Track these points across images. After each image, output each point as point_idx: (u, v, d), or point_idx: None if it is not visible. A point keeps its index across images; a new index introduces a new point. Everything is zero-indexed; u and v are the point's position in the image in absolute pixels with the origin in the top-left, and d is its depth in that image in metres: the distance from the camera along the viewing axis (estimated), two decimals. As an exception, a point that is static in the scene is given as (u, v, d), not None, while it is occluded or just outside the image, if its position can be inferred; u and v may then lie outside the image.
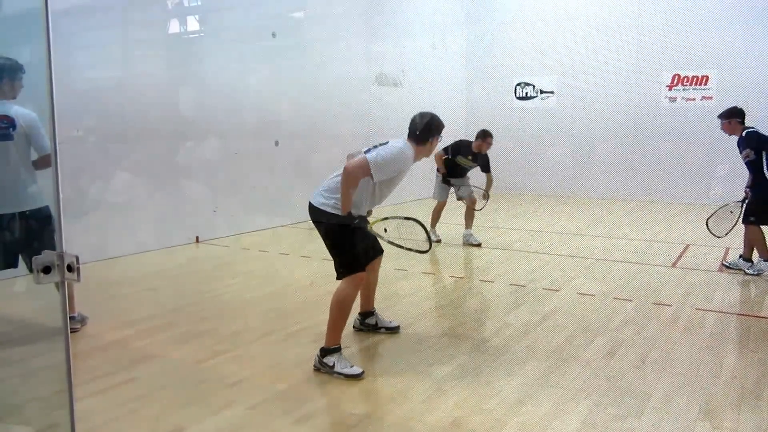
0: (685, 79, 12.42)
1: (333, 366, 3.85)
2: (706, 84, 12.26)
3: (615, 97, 12.98)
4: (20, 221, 4.06)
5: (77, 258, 2.03)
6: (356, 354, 4.24)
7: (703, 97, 12.26)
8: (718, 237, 6.51)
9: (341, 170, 3.96)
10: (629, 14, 12.76)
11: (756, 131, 6.37)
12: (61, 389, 3.48)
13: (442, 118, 4.18)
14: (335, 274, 4.06)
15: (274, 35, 9.22)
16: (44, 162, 4.11)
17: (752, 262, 6.48)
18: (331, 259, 4.12)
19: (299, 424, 3.23)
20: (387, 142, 4.07)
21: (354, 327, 4.66)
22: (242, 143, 8.81)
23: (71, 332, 4.36)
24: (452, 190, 8.22)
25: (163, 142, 7.78)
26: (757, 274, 6.35)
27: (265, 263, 7.26)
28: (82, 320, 4.70)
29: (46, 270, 2.01)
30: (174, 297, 5.74)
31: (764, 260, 6.34)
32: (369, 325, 4.66)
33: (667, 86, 12.59)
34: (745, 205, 6.40)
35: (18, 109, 4.10)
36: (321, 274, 6.61)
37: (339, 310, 3.96)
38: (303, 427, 3.19)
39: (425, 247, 4.03)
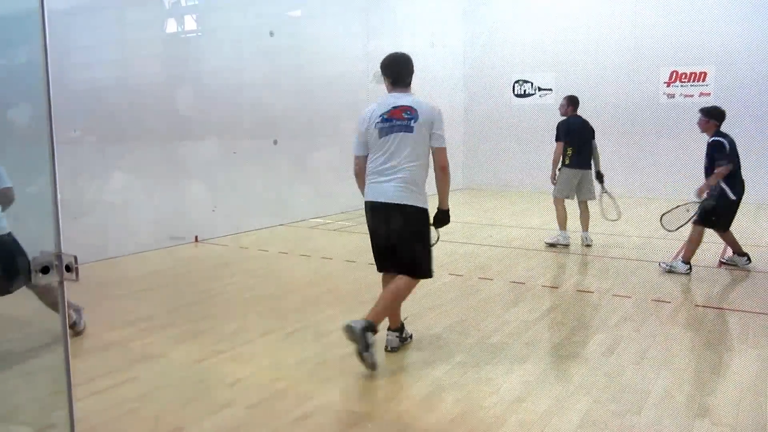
0: (684, 75, 12.43)
1: (411, 334, 4.33)
2: (704, 80, 12.28)
3: (613, 94, 12.98)
4: None
5: (75, 258, 2.03)
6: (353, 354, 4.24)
7: (702, 94, 12.27)
8: (670, 231, 6.53)
9: (408, 159, 3.89)
10: (627, 10, 12.77)
11: (720, 141, 6.27)
12: (60, 389, 3.48)
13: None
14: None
15: (271, 34, 9.22)
16: (5, 197, 4.08)
17: (746, 255, 6.50)
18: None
19: (299, 422, 3.23)
20: (410, 109, 3.93)
21: (392, 349, 4.25)
22: (241, 143, 8.81)
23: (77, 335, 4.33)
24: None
25: (162, 142, 7.77)
26: (669, 271, 6.34)
27: (264, 262, 7.26)
28: (74, 324, 4.51)
29: (45, 270, 2.01)
30: (173, 296, 5.74)
31: (683, 262, 6.33)
32: (406, 337, 4.40)
33: (665, 83, 12.61)
34: (700, 206, 6.36)
35: None
36: (321, 273, 6.62)
37: (396, 300, 4.09)
38: (303, 426, 3.19)
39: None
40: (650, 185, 12.73)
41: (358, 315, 4.94)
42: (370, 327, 3.86)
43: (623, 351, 4.21)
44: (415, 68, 4.10)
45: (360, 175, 4.13)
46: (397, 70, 4.06)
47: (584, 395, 3.52)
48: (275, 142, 9.39)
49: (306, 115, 9.85)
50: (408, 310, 5.08)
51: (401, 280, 4.03)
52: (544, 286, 5.94)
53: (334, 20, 10.73)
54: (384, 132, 3.94)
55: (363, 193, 4.12)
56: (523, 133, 13.97)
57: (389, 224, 3.98)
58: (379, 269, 4.21)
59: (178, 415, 3.32)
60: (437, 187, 4.05)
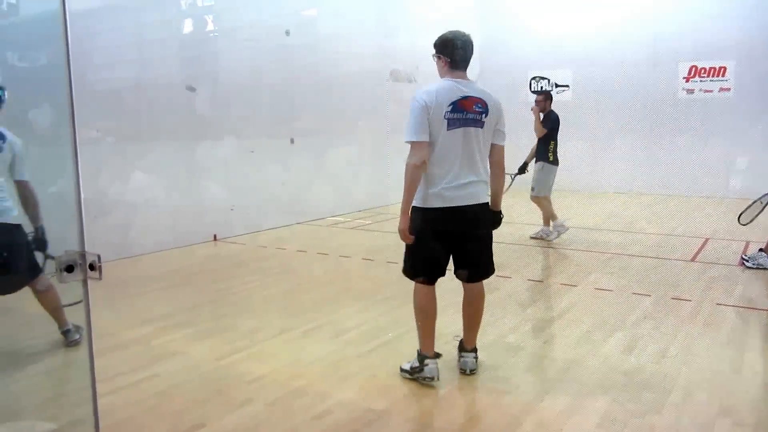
0: (703, 70, 12.28)
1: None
2: (724, 75, 12.11)
3: (631, 90, 12.84)
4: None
5: (99, 257, 2.06)
6: (375, 350, 4.25)
7: (722, 89, 12.12)
8: (743, 225, 6.44)
9: (478, 159, 3.60)
10: (645, 5, 12.61)
11: None
12: (83, 386, 3.54)
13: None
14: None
15: (287, 33, 9.25)
16: (23, 191, 4.11)
17: None
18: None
19: (318, 420, 3.25)
20: (480, 101, 3.57)
21: (470, 372, 3.95)
22: (258, 142, 8.86)
23: (72, 345, 4.33)
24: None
25: (180, 142, 7.84)
26: (757, 268, 6.27)
27: (282, 260, 7.30)
28: (79, 329, 4.39)
29: (69, 269, 2.04)
30: (193, 295, 5.80)
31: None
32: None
33: (684, 78, 12.46)
34: None
35: (9, 133, 4.12)
36: (338, 271, 6.64)
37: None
38: (322, 423, 3.21)
39: None
40: (669, 182, 12.58)
41: (376, 313, 4.99)
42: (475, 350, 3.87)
43: (643, 349, 4.19)
44: (429, 64, 3.78)
45: (422, 167, 3.48)
46: (461, 51, 3.58)
47: (603, 394, 3.50)
48: (292, 141, 9.43)
49: (323, 113, 9.88)
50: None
51: (479, 286, 3.86)
52: (562, 284, 5.91)
53: (350, 19, 10.74)
54: (454, 124, 3.49)
55: (414, 189, 3.53)
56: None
57: (474, 227, 3.69)
58: (433, 281, 3.75)
59: (199, 412, 3.36)
60: (493, 187, 3.76)
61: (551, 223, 7.97)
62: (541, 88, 7.60)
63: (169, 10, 8.25)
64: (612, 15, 12.93)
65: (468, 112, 3.52)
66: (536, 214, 8.10)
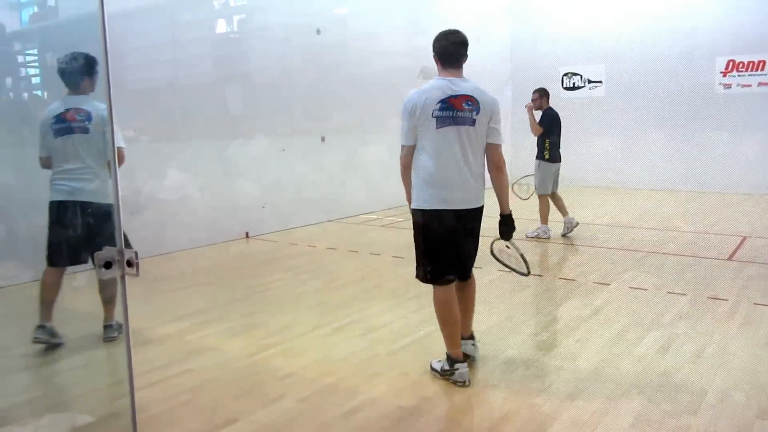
0: (741, 64, 11.98)
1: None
2: (763, 69, 11.81)
3: (666, 85, 12.61)
4: (95, 214, 4.17)
5: (136, 253, 2.11)
6: (405, 347, 4.26)
7: (760, 83, 11.82)
8: None
9: (473, 159, 3.58)
10: (681, -2, 12.37)
11: None
12: (120, 380, 3.62)
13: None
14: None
15: (318, 32, 9.30)
16: (117, 157, 4.24)
17: None
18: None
19: (348, 416, 3.27)
20: (470, 99, 3.56)
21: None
22: (289, 140, 8.93)
23: (109, 340, 4.40)
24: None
25: (213, 140, 7.95)
26: None
27: (313, 258, 7.35)
28: (119, 328, 4.48)
29: (108, 265, 2.09)
30: (226, 291, 5.88)
31: None
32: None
33: (721, 72, 12.17)
34: None
35: (95, 104, 4.24)
36: (369, 269, 6.66)
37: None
38: (352, 420, 3.23)
39: (525, 270, 3.93)
40: (705, 179, 12.33)
41: (406, 311, 4.99)
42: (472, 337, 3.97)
43: (678, 349, 4.11)
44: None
45: (408, 167, 3.62)
46: (451, 49, 3.60)
47: (638, 394, 3.45)
48: (323, 139, 9.49)
49: (354, 111, 9.91)
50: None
51: (472, 283, 3.93)
52: (595, 282, 5.84)
53: (380, 16, 10.75)
54: (442, 122, 3.49)
55: (407, 187, 3.67)
56: (571, 127, 13.63)
57: (468, 229, 3.70)
58: (447, 281, 3.71)
59: (232, 407, 3.41)
60: (496, 188, 3.68)
61: (540, 224, 7.99)
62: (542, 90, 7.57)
63: (201, 10, 8.37)
64: (646, 8, 12.71)
65: (458, 110, 3.50)
66: (553, 212, 8.02)
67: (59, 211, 4.20)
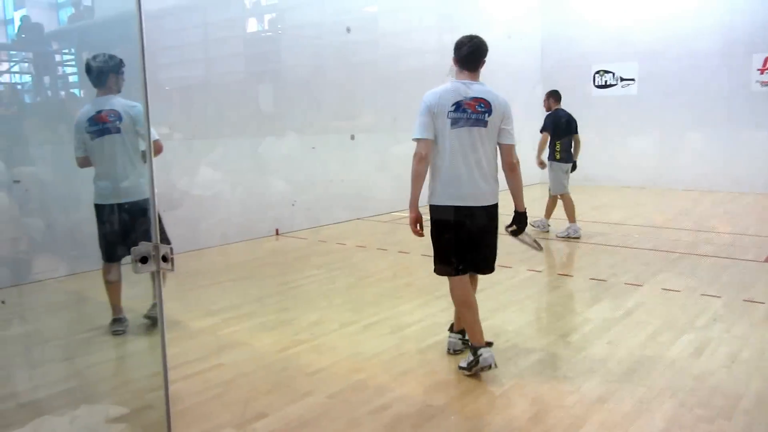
0: (779, 62, 11.70)
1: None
2: (802, 67, 11.51)
3: (703, 83, 12.33)
4: (137, 210, 4.29)
5: (171, 249, 2.15)
6: (434, 346, 4.26)
7: (800, 81, 11.52)
8: None
9: (482, 156, 3.71)
10: (717, -6, 12.11)
11: None
12: (153, 373, 3.69)
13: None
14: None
15: (348, 30, 9.33)
16: (154, 149, 4.38)
17: None
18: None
19: (377, 414, 3.29)
20: (483, 101, 3.70)
21: (454, 352, 4.12)
22: (319, 138, 8.98)
23: (116, 334, 4.50)
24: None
25: (244, 138, 8.04)
26: None
27: (343, 255, 7.38)
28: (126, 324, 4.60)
29: (144, 260, 2.14)
30: (256, 287, 5.94)
31: None
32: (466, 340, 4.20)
33: (758, 70, 11.86)
34: None
35: (124, 102, 4.35)
36: (397, 267, 6.68)
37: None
38: (381, 417, 3.25)
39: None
40: (742, 179, 12.04)
41: (435, 309, 4.99)
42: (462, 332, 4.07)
43: (712, 353, 4.04)
44: (491, 61, 3.91)
45: (422, 161, 3.75)
46: (469, 54, 3.76)
47: (670, 398, 3.40)
48: (352, 137, 9.52)
49: (384, 109, 9.92)
50: (485, 305, 5.05)
51: (474, 278, 4.00)
52: (627, 283, 5.76)
53: (410, 14, 10.75)
54: (456, 123, 3.68)
55: (419, 184, 3.79)
56: (604, 126, 13.51)
57: (480, 227, 3.79)
58: (461, 272, 3.83)
59: (262, 401, 3.45)
60: (510, 187, 3.84)
61: (569, 223, 8.00)
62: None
63: (233, 10, 8.46)
64: (680, 4, 12.47)
65: (471, 111, 3.69)
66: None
67: (104, 212, 4.37)
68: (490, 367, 3.68)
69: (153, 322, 4.55)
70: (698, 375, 3.70)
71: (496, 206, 3.84)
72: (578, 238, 7.84)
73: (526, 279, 6.05)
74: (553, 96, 8.13)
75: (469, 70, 3.79)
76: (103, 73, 4.29)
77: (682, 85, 12.54)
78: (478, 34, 3.86)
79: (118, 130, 4.31)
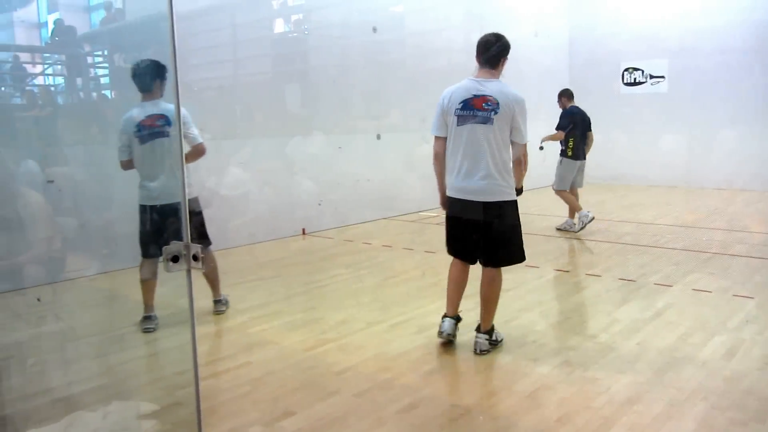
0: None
1: (501, 339, 4.16)
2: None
3: (735, 80, 12.08)
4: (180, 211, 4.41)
5: (201, 248, 2.18)
6: (461, 346, 4.25)
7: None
8: None
9: (490, 150, 3.84)
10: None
11: None
12: (184, 370, 3.75)
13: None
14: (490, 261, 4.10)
15: (374, 30, 9.35)
16: (197, 152, 4.57)
17: None
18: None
19: (404, 413, 3.29)
20: (490, 99, 3.83)
21: (480, 351, 4.16)
22: (346, 138, 9.02)
23: (217, 314, 4.87)
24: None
25: (271, 138, 8.11)
26: None
27: (369, 255, 7.40)
28: (227, 303, 5.10)
29: (175, 259, 2.17)
30: (284, 286, 5.99)
31: None
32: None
33: (794, 66, 11.60)
34: None
35: (170, 107, 4.45)
36: (424, 266, 6.67)
37: (498, 296, 4.13)
38: (408, 417, 3.25)
39: None
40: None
41: (461, 309, 4.96)
42: (491, 331, 4.18)
43: (745, 355, 3.96)
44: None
45: (438, 157, 4.07)
46: (483, 51, 3.92)
47: (701, 400, 3.35)
48: (378, 137, 9.54)
49: (410, 108, 9.92)
50: (512, 305, 5.04)
51: (491, 272, 4.08)
52: (656, 283, 5.68)
53: (436, 13, 10.72)
54: (462, 121, 3.88)
55: (439, 178, 4.13)
56: (633, 124, 13.33)
57: (483, 221, 3.96)
58: (463, 259, 4.19)
59: (290, 399, 3.48)
60: (515, 177, 4.01)
61: (576, 214, 8.14)
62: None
63: (260, 11, 8.54)
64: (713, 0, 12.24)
65: (477, 109, 3.83)
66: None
67: (149, 213, 4.48)
68: (441, 334, 4.12)
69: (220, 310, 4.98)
70: (730, 377, 3.63)
71: (499, 204, 3.91)
72: (575, 232, 8.06)
73: (553, 279, 6.00)
74: (566, 94, 8.24)
75: (487, 66, 3.92)
76: (150, 78, 4.39)
77: (713, 81, 12.30)
78: (499, 32, 3.95)
79: (167, 134, 4.41)
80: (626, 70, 13.56)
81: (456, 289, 4.21)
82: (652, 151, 13.16)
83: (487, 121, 3.81)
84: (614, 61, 13.59)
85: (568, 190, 8.13)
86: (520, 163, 3.99)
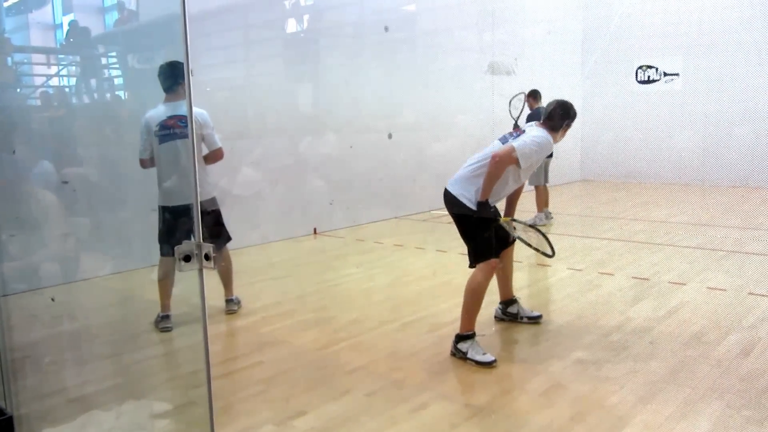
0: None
1: (466, 352, 3.93)
2: None
3: (749, 77, 11.94)
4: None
5: (213, 248, 2.19)
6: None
7: None
8: None
9: (479, 159, 4.03)
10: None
11: None
12: (196, 370, 3.77)
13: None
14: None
15: (386, 29, 9.35)
16: (214, 157, 4.66)
17: None
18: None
19: (416, 412, 3.29)
20: (524, 131, 4.09)
21: (495, 317, 4.74)
22: (357, 137, 9.02)
23: (229, 313, 4.91)
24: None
25: (283, 138, 8.13)
26: None
27: (380, 254, 7.40)
28: (239, 302, 5.14)
29: (187, 259, 2.18)
30: (296, 286, 6.00)
31: None
32: (511, 314, 4.68)
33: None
34: None
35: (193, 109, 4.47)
36: (435, 266, 6.66)
37: (472, 297, 4.02)
38: (420, 416, 3.25)
39: (550, 252, 4.20)
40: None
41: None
42: (458, 338, 4.07)
43: (761, 354, 3.92)
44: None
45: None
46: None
47: (716, 399, 3.32)
48: (390, 136, 9.54)
49: (422, 108, 9.92)
50: (525, 304, 5.01)
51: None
52: (670, 282, 5.64)
53: (449, 13, 10.70)
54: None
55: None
56: (646, 122, 13.23)
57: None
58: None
59: (302, 399, 3.49)
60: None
61: (538, 209, 8.51)
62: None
63: (273, 11, 8.56)
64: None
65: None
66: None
67: (169, 213, 4.52)
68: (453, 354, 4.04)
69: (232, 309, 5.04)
70: (746, 376, 3.60)
71: (461, 203, 4.09)
72: (543, 225, 8.15)
73: (565, 277, 5.97)
74: (533, 95, 8.38)
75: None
76: (176, 79, 4.42)
77: (730, 78, 12.16)
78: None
79: (187, 136, 4.44)
80: (640, 68, 13.45)
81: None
82: (666, 148, 13.05)
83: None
84: (628, 58, 13.48)
85: (542, 185, 8.41)
86: (493, 161, 4.00)
